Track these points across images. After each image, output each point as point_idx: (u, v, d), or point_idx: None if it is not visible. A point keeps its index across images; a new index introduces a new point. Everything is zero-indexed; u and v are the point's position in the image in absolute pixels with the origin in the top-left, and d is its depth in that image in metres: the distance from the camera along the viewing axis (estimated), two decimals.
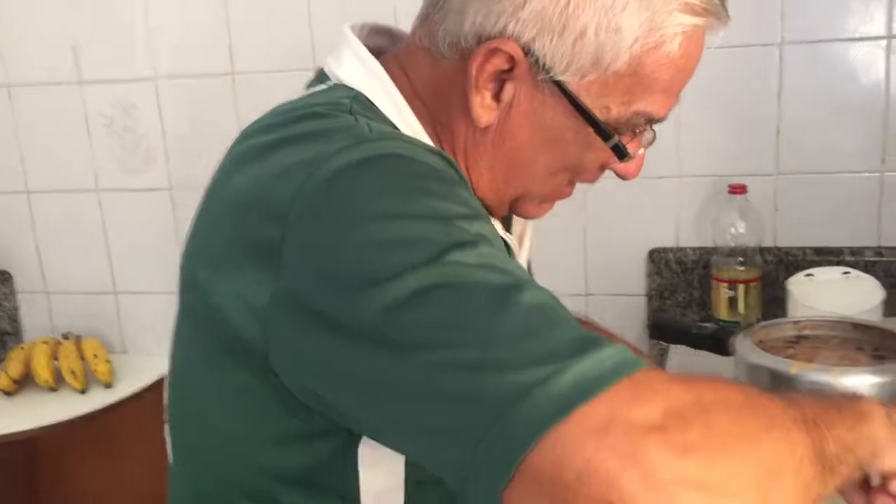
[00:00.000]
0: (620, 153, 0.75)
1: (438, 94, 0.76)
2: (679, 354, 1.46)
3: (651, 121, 0.76)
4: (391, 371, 0.56)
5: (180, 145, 1.86)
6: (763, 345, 1.07)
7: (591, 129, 0.73)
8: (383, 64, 0.76)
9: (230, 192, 0.69)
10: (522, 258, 0.91)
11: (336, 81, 0.76)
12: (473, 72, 0.71)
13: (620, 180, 1.67)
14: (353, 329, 0.57)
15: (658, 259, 1.68)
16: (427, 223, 0.60)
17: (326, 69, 0.79)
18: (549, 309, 0.57)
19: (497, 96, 0.73)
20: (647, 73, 0.71)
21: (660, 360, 1.50)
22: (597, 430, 0.49)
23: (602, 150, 0.75)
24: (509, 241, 0.84)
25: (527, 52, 0.70)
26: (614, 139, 0.74)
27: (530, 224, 0.92)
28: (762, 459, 0.51)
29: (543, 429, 0.49)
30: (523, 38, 0.69)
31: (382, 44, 0.81)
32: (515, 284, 0.57)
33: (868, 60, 1.54)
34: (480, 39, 0.71)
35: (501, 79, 0.72)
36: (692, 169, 1.64)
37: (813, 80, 1.56)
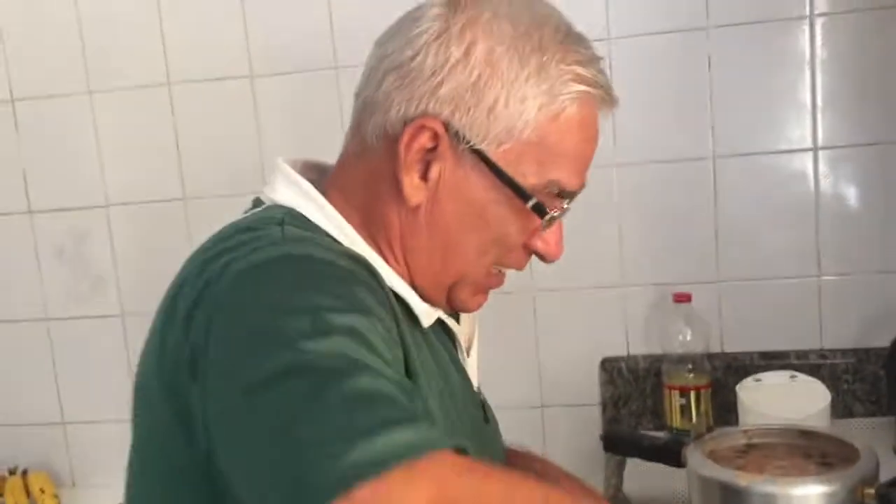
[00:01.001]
0: (541, 211, 0.82)
1: (369, 190, 0.84)
2: (635, 465, 1.46)
3: (563, 193, 0.83)
4: (243, 442, 0.63)
5: (132, 271, 1.86)
6: (714, 455, 1.08)
7: (511, 194, 0.81)
8: (317, 188, 0.84)
9: (174, 308, 0.76)
10: (473, 358, 0.96)
11: (271, 203, 0.85)
12: (402, 151, 0.80)
13: (569, 293, 1.71)
14: (229, 406, 0.65)
15: (610, 368, 1.70)
16: (294, 316, 0.66)
17: (262, 196, 0.87)
18: (376, 394, 0.61)
19: (425, 177, 0.81)
20: (554, 141, 0.81)
21: (617, 472, 1.50)
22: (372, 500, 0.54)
23: (524, 220, 0.83)
24: (455, 330, 0.92)
25: (447, 126, 0.79)
26: (533, 199, 0.81)
27: (476, 330, 0.98)
28: None
29: (331, 498, 0.55)
30: (443, 114, 0.79)
31: (315, 178, 0.87)
32: (351, 371, 0.62)
33: (797, 170, 1.62)
34: (406, 122, 0.80)
35: (427, 160, 0.80)
36: (637, 279, 1.68)
37: (746, 191, 1.63)
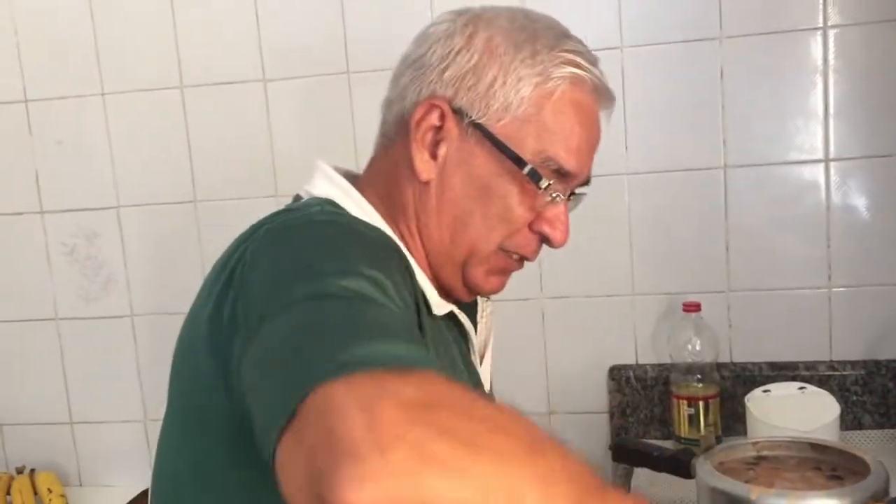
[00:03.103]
0: (536, 177, 0.87)
1: (391, 177, 0.91)
2: (644, 475, 1.46)
3: (561, 171, 0.88)
4: (262, 346, 0.65)
5: (143, 272, 1.86)
6: (723, 467, 1.08)
7: (512, 167, 0.87)
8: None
9: (220, 274, 0.78)
10: (486, 364, 1.00)
11: (309, 197, 0.91)
12: (413, 127, 0.88)
13: (578, 300, 1.71)
14: (259, 314, 0.67)
15: (618, 376, 1.70)
16: (325, 260, 0.71)
17: (302, 192, 0.93)
18: (389, 322, 0.65)
19: (434, 155, 0.88)
20: (549, 118, 0.87)
21: (625, 481, 1.50)
22: (358, 389, 0.53)
23: (526, 195, 0.88)
24: (468, 328, 0.95)
25: (452, 104, 0.87)
26: (529, 166, 0.86)
27: (492, 338, 1.02)
28: (485, 477, 0.50)
29: (317, 381, 0.55)
30: (448, 94, 0.88)
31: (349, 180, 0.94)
32: (368, 304, 0.66)
33: (809, 181, 1.61)
34: (417, 105, 0.89)
35: (437, 139, 0.88)
36: (646, 287, 1.68)
37: (757, 201, 1.63)
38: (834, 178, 1.60)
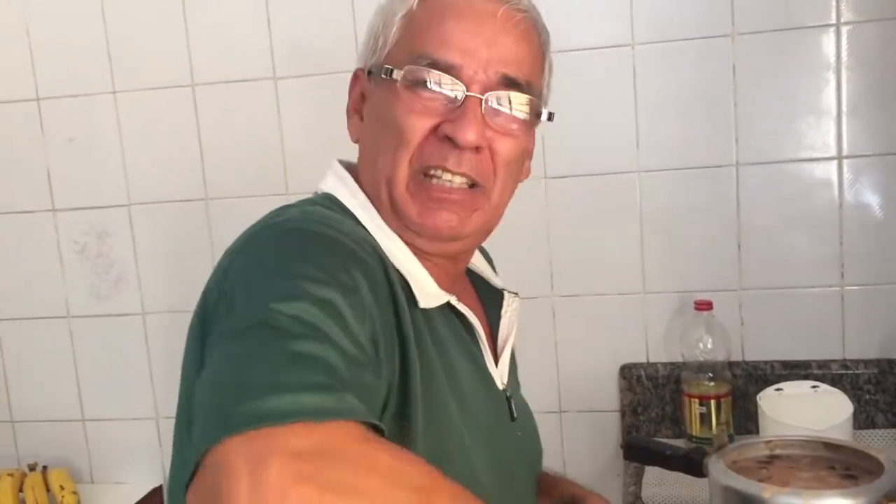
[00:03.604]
0: (378, 69, 0.90)
1: (359, 156, 0.96)
2: (655, 474, 1.46)
3: (436, 63, 0.87)
4: (202, 377, 0.68)
5: (154, 270, 1.87)
6: (736, 465, 1.07)
7: (390, 83, 0.88)
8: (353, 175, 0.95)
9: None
10: (504, 358, 1.00)
11: (321, 192, 0.96)
12: (348, 96, 0.96)
13: (589, 299, 1.70)
14: (210, 345, 0.74)
15: (629, 375, 1.69)
16: (276, 279, 0.72)
17: (318, 189, 0.97)
18: (315, 359, 0.65)
19: (362, 118, 0.95)
20: (417, 28, 0.89)
21: (636, 479, 1.49)
22: (253, 445, 0.57)
23: (412, 102, 0.87)
24: (469, 317, 0.93)
25: (364, 70, 0.94)
26: (390, 67, 0.88)
27: (512, 336, 1.03)
28: None
29: (219, 437, 0.58)
30: (361, 64, 0.95)
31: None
32: (304, 335, 0.67)
33: (821, 179, 1.60)
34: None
35: (363, 104, 0.94)
36: (658, 286, 1.67)
37: (769, 199, 1.62)
38: (847, 175, 1.60)
